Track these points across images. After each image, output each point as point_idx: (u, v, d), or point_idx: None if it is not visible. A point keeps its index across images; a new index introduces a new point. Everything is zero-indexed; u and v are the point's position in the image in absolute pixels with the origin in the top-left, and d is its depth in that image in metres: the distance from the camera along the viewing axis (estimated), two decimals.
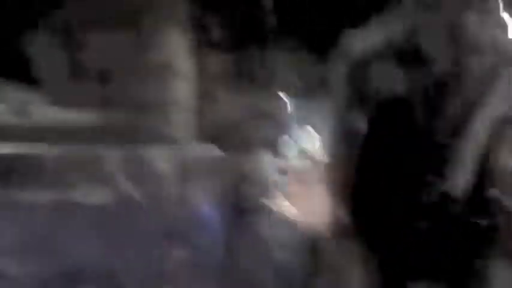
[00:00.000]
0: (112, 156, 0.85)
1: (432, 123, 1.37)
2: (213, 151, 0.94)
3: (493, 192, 1.25)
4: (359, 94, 1.46)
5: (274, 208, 1.65)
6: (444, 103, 1.38)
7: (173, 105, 3.34)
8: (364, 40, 1.48)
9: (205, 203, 0.90)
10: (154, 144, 0.91)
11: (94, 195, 0.81)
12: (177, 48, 3.50)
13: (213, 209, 0.92)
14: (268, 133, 1.43)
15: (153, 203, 0.87)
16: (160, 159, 0.89)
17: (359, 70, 1.47)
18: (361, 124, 1.42)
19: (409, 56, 1.38)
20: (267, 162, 1.41)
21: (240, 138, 1.44)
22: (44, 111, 0.86)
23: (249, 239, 1.33)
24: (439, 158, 1.34)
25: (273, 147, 1.43)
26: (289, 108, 1.69)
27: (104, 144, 0.85)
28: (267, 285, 1.39)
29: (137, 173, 0.86)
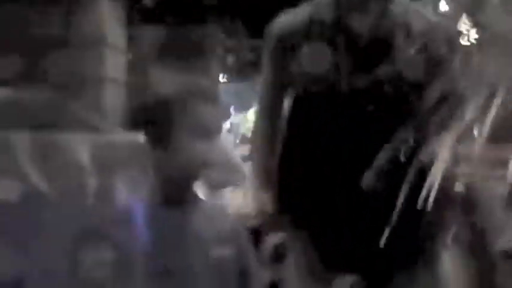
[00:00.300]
0: (21, 141, 0.72)
1: (359, 103, 1.34)
2: (140, 138, 0.83)
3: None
4: (285, 74, 1.41)
5: (209, 200, 1.56)
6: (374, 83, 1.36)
7: (104, 80, 3.22)
8: (290, 19, 1.43)
9: (129, 197, 0.79)
10: (72, 129, 0.79)
11: None
12: (109, 20, 3.37)
13: (139, 203, 0.81)
14: (204, 114, 1.34)
15: (69, 198, 0.75)
16: (79, 146, 0.77)
17: (284, 49, 1.43)
18: (286, 102, 1.37)
19: (337, 35, 1.35)
20: (203, 148, 1.32)
21: (173, 119, 1.34)
22: None
23: (180, 235, 1.24)
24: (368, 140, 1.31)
25: (210, 131, 1.35)
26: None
27: (12, 126, 0.73)
28: (202, 284, 1.30)
29: (50, 163, 0.74)
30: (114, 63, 3.61)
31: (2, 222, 0.65)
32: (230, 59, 9.14)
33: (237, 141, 7.71)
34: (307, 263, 1.42)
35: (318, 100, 1.34)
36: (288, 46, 1.42)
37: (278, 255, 3.69)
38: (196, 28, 6.29)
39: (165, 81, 1.33)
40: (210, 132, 1.32)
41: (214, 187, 1.37)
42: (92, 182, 0.71)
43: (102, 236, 0.78)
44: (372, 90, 1.32)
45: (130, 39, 4.60)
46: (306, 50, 1.35)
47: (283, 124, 1.36)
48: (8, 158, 0.67)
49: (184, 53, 1.35)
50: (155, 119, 1.14)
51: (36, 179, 0.68)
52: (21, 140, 0.70)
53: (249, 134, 9.95)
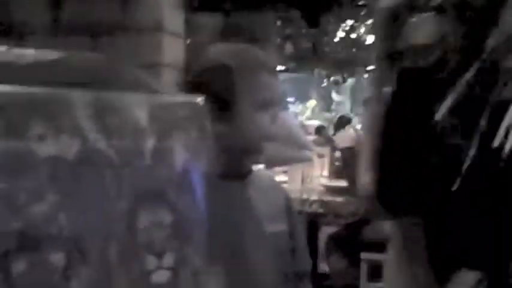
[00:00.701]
0: (79, 101, 0.72)
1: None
2: (200, 101, 0.81)
3: None
4: (392, 47, 1.36)
5: (264, 174, 1.55)
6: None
7: (162, 66, 3.24)
8: None
9: (188, 162, 0.78)
10: (131, 90, 0.78)
11: (55, 145, 0.69)
12: (167, 6, 3.40)
13: (197, 168, 0.80)
14: (266, 86, 1.32)
15: (127, 158, 0.74)
16: (137, 107, 0.76)
17: (391, 21, 1.37)
18: (392, 85, 1.31)
19: (446, 4, 1.28)
20: (265, 121, 1.30)
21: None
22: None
23: (236, 207, 1.23)
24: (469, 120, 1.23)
25: (272, 103, 1.33)
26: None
27: (71, 86, 0.73)
28: (254, 257, 1.29)
29: (109, 122, 0.73)
30: (172, 50, 3.63)
31: (60, 179, 0.64)
32: (288, 48, 9.12)
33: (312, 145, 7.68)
34: (416, 253, 1.37)
35: (425, 74, 1.29)
36: (395, 18, 1.39)
37: (332, 246, 3.68)
38: (254, 16, 6.29)
39: (226, 51, 1.32)
40: (272, 104, 1.30)
41: (273, 162, 1.35)
42: (150, 143, 0.70)
43: (160, 198, 0.78)
44: (483, 64, 1.26)
45: (188, 26, 4.62)
46: (413, 21, 1.31)
47: (388, 100, 1.32)
48: (67, 115, 0.67)
49: (241, 40, 1.34)
50: (217, 88, 1.13)
51: (95, 137, 0.67)
52: (80, 98, 0.69)
53: (307, 123, 9.87)
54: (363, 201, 3.76)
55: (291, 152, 1.18)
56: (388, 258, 1.47)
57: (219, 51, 1.37)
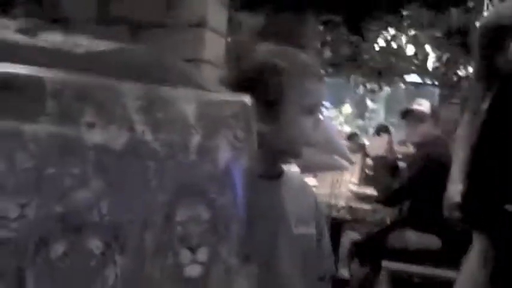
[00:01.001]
0: (130, 93, 0.73)
1: None
2: (247, 100, 0.82)
3: None
4: (491, 65, 1.36)
5: (297, 178, 1.55)
6: None
7: (204, 62, 3.25)
8: (499, 11, 1.37)
9: (231, 160, 0.79)
10: (179, 85, 0.79)
11: (104, 134, 0.70)
12: (211, 3, 3.40)
13: (239, 167, 0.81)
14: (311, 91, 1.32)
15: (171, 152, 0.75)
16: (186, 103, 0.77)
17: (491, 41, 1.38)
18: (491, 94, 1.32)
19: None
20: (308, 126, 1.31)
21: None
22: (56, 35, 0.75)
23: (269, 206, 1.23)
24: None
25: (316, 108, 1.33)
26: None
27: (122, 77, 0.74)
28: (282, 258, 1.29)
29: (157, 115, 0.75)
30: (214, 46, 3.64)
31: (105, 167, 0.65)
32: (327, 53, 9.09)
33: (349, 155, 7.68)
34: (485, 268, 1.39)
35: None
36: (495, 38, 1.40)
37: (354, 252, 3.65)
38: (295, 19, 6.28)
39: (277, 52, 1.32)
40: (316, 110, 1.31)
41: (310, 167, 1.36)
42: (195, 139, 0.71)
43: (200, 194, 0.79)
44: None
45: (231, 24, 4.63)
46: None
47: (484, 115, 1.32)
48: (117, 106, 0.68)
49: (280, 42, 1.35)
50: (266, 88, 1.13)
51: (143, 129, 0.68)
52: (131, 90, 0.71)
53: (343, 128, 9.81)
54: (390, 211, 3.72)
55: (328, 159, 1.18)
56: (466, 262, 1.49)
57: (270, 51, 1.37)
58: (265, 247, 1.25)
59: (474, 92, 1.55)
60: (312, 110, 1.31)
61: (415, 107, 4.00)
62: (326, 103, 15.44)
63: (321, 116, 1.32)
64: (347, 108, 14.95)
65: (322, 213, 1.51)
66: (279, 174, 1.37)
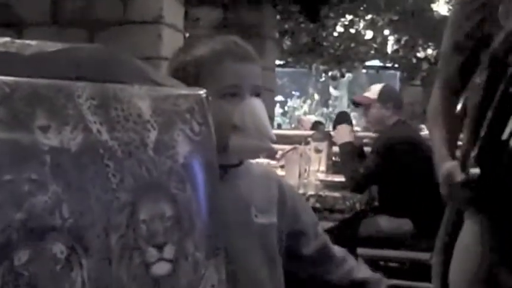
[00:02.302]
0: (83, 92, 0.72)
1: None
2: (201, 93, 0.81)
3: None
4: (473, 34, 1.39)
5: (261, 166, 1.55)
6: None
7: (162, 58, 3.23)
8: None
9: (189, 154, 0.78)
10: (133, 81, 0.78)
11: (58, 137, 0.69)
12: (167, 1, 3.38)
13: (198, 160, 0.80)
14: (233, 74, 1.32)
15: (129, 150, 0.74)
16: (140, 99, 0.76)
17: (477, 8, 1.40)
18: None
19: None
20: (231, 110, 1.30)
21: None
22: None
23: (229, 197, 1.22)
24: None
25: (240, 92, 1.32)
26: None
27: (74, 77, 0.73)
28: (243, 249, 1.29)
29: (112, 114, 0.74)
30: (172, 42, 3.62)
31: (63, 170, 0.64)
32: (286, 43, 9.11)
33: (292, 125, 7.71)
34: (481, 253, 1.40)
35: None
36: (482, 5, 1.44)
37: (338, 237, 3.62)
38: (253, 10, 6.28)
39: (201, 43, 1.32)
40: (238, 92, 1.30)
41: (243, 152, 1.35)
42: (152, 135, 0.70)
43: (161, 190, 0.78)
44: None
45: (188, 20, 4.60)
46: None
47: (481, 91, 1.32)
48: (70, 106, 0.67)
49: (240, 35, 1.34)
50: (187, 80, 1.11)
51: (98, 129, 0.67)
52: (84, 89, 0.70)
53: (304, 118, 9.87)
54: (360, 197, 3.74)
55: (257, 142, 1.18)
56: (459, 238, 1.50)
57: (189, 44, 1.38)
58: (224, 239, 1.24)
59: (448, 65, 1.56)
60: (232, 93, 1.30)
61: (359, 95, 4.07)
62: (295, 92, 15.53)
63: (254, 99, 1.31)
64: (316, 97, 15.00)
65: (292, 198, 1.49)
66: (235, 164, 1.36)
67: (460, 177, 1.35)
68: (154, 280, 0.76)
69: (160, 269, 0.76)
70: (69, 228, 0.68)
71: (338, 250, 1.56)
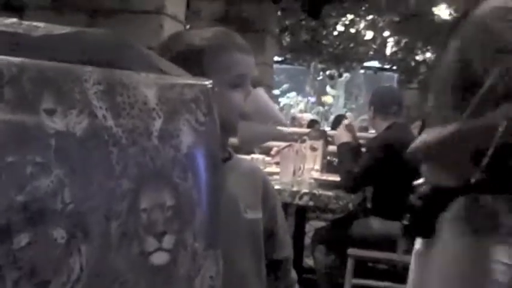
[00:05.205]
0: (90, 77, 0.71)
1: None
2: (206, 83, 0.81)
3: None
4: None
5: (247, 161, 1.55)
6: None
7: None
8: None
9: (193, 143, 0.78)
10: (139, 69, 0.78)
11: (64, 120, 0.68)
12: None
13: (202, 150, 0.80)
14: (239, 64, 1.32)
15: (133, 137, 0.74)
16: (146, 87, 0.76)
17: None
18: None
19: None
20: (239, 98, 1.30)
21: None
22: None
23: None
24: None
25: (245, 81, 1.32)
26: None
27: (82, 61, 0.72)
28: (233, 244, 1.29)
29: (118, 100, 0.73)
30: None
31: (66, 154, 0.64)
32: (286, 39, 9.10)
33: (288, 122, 7.70)
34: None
35: None
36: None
37: (318, 240, 3.66)
38: (255, 5, 6.27)
39: (199, 33, 1.32)
40: (243, 82, 1.30)
41: (250, 141, 1.36)
42: (157, 123, 0.70)
43: (164, 180, 0.77)
44: None
45: (189, 12, 4.59)
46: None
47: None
48: (77, 91, 0.66)
49: (240, 29, 1.34)
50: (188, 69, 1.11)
51: (104, 114, 0.67)
52: (91, 74, 0.69)
53: (300, 115, 9.86)
54: (353, 197, 3.75)
55: (265, 129, 1.17)
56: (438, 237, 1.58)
57: (191, 34, 1.38)
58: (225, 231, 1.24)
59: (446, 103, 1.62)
60: (238, 82, 1.30)
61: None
62: (291, 91, 15.53)
63: (259, 88, 1.32)
64: (329, 99, 14.97)
65: (272, 196, 1.50)
66: (226, 159, 1.36)
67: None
68: (152, 269, 0.75)
69: (159, 258, 0.76)
70: (70, 213, 0.68)
71: (292, 275, 1.56)
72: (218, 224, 0.85)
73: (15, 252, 0.64)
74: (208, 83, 0.79)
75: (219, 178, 0.84)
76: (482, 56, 1.42)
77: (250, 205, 1.38)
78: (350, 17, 8.83)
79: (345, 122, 4.05)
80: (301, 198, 3.45)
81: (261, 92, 1.20)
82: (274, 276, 1.47)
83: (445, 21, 7.37)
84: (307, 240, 4.43)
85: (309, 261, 4.39)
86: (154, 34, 3.36)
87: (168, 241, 0.77)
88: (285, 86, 15.03)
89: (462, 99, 1.46)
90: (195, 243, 0.80)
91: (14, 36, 0.69)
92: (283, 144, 3.74)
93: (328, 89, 15.63)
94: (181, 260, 0.79)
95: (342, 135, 3.83)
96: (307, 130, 5.15)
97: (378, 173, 3.66)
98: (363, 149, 4.00)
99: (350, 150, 3.77)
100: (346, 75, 12.25)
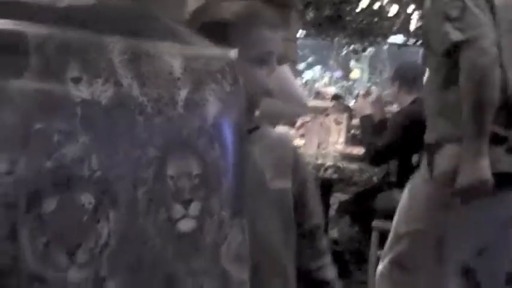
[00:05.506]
0: (115, 47, 0.72)
1: None
2: (232, 54, 0.81)
3: None
4: None
5: (276, 133, 1.55)
6: None
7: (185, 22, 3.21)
8: None
9: (219, 114, 0.78)
10: (164, 39, 0.78)
11: (90, 89, 0.69)
12: None
13: (228, 120, 0.80)
14: (264, 40, 1.31)
15: (159, 106, 0.75)
16: (172, 57, 0.76)
17: None
18: None
19: None
20: (263, 75, 1.30)
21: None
22: None
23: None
24: None
25: (271, 58, 1.32)
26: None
27: (106, 31, 0.73)
28: (264, 215, 1.29)
29: (143, 70, 0.74)
30: (194, 6, 3.60)
31: (93, 122, 0.65)
32: (310, 14, 9.04)
33: (311, 97, 7.67)
34: None
35: None
36: None
37: (342, 213, 3.68)
38: None
39: (227, 6, 1.31)
40: (269, 59, 1.29)
41: (274, 117, 1.35)
42: (183, 93, 0.70)
43: (190, 148, 0.78)
44: None
45: None
46: None
47: None
48: (103, 59, 0.67)
49: (265, 3, 1.33)
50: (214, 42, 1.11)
51: (129, 83, 0.68)
52: (116, 44, 0.70)
53: (324, 90, 9.83)
54: (377, 170, 3.75)
55: (286, 108, 1.17)
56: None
57: (219, 6, 1.37)
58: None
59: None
60: (264, 59, 1.29)
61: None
62: (316, 66, 15.48)
63: (284, 66, 1.31)
64: (355, 73, 14.88)
65: (302, 167, 1.50)
66: (251, 129, 1.36)
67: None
68: (179, 236, 0.76)
69: (185, 225, 0.77)
70: (97, 179, 0.69)
71: (324, 243, 1.55)
72: (244, 193, 0.86)
73: (45, 216, 0.65)
74: (234, 54, 0.80)
75: (244, 148, 0.84)
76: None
77: (278, 175, 1.38)
78: None
79: (361, 92, 4.04)
80: (325, 171, 3.46)
81: (286, 69, 1.20)
82: (306, 245, 1.47)
83: None
84: (332, 212, 4.45)
85: (333, 234, 4.41)
86: (178, 6, 3.36)
87: (194, 208, 0.78)
88: (310, 59, 14.95)
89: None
90: (222, 211, 0.81)
91: (38, 7, 0.70)
92: (307, 117, 3.74)
93: (352, 63, 15.53)
94: (208, 228, 0.80)
95: (363, 108, 3.81)
96: (331, 103, 5.14)
97: (402, 147, 3.65)
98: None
99: (371, 122, 3.76)
100: (370, 49, 12.15)
